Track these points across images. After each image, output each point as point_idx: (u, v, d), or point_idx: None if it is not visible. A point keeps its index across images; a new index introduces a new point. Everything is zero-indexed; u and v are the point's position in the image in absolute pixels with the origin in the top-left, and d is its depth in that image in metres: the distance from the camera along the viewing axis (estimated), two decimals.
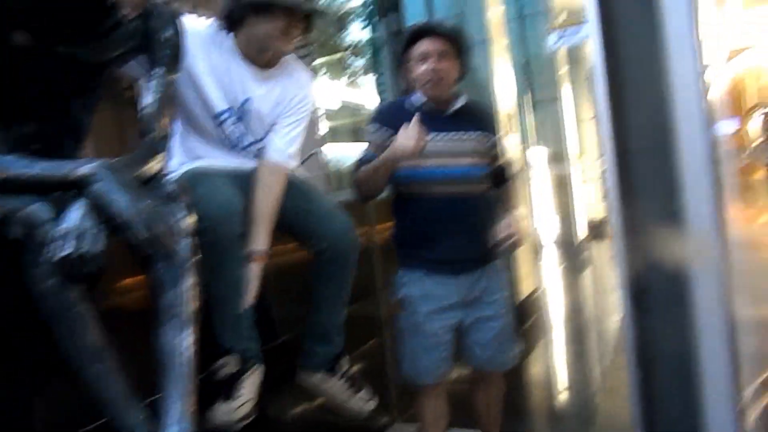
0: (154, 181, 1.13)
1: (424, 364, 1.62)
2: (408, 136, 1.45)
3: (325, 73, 6.06)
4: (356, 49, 5.65)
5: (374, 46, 4.62)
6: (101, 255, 0.89)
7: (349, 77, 6.34)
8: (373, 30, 4.72)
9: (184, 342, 1.03)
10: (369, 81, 5.64)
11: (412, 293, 1.62)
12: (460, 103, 1.64)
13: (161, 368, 1.05)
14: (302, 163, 2.87)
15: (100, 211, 0.92)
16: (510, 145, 3.91)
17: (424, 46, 1.56)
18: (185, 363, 1.02)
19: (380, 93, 4.42)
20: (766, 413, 2.03)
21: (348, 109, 6.04)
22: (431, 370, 1.62)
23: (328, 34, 6.04)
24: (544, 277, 5.38)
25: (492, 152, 1.68)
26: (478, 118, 1.68)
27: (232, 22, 1.47)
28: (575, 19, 4.05)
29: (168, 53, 1.23)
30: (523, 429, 2.42)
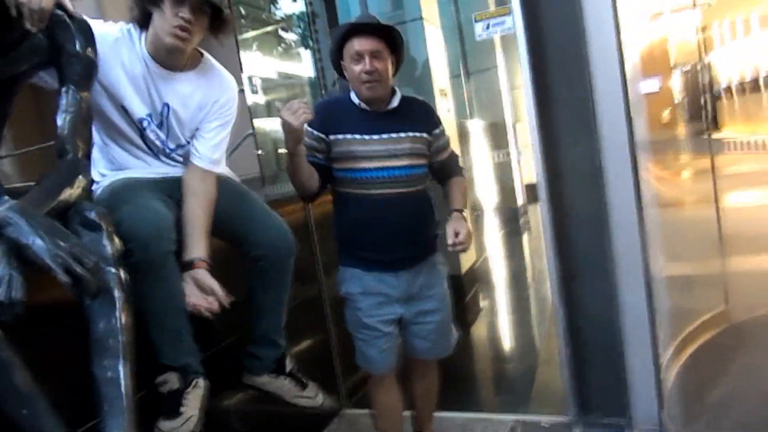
0: (74, 207, 1.08)
1: (370, 355, 1.67)
2: (291, 110, 1.42)
3: (257, 47, 5.87)
4: (288, 22, 5.49)
5: (305, 19, 4.52)
6: (20, 302, 0.86)
7: (283, 50, 6.18)
8: (305, 3, 4.60)
9: (121, 374, 1.02)
10: (303, 53, 5.53)
11: (353, 290, 1.65)
12: (396, 101, 1.62)
13: (99, 399, 1.03)
14: (237, 146, 2.81)
15: (18, 256, 0.88)
16: (448, 122, 3.98)
17: (357, 45, 1.52)
18: (123, 395, 1.00)
19: (315, 64, 4.35)
20: (684, 370, 2.21)
21: (284, 81, 5.91)
22: (378, 361, 1.67)
23: (259, 6, 5.84)
24: (486, 244, 5.55)
25: (433, 148, 1.67)
26: (415, 115, 1.65)
27: (138, 23, 1.40)
28: (500, 10, 4.10)
29: (78, 69, 1.16)
30: (466, 397, 2.55)
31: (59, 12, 1.17)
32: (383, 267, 1.62)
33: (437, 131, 1.68)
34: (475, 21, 4.06)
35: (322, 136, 1.59)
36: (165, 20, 1.34)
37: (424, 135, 1.64)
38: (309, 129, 1.58)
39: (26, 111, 1.64)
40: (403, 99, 1.65)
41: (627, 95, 1.68)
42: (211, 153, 1.49)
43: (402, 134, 1.60)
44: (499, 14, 3.99)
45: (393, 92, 1.63)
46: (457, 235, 1.54)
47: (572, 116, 1.78)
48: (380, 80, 1.54)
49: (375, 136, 1.58)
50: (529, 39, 1.67)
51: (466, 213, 1.67)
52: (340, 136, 1.58)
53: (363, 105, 1.60)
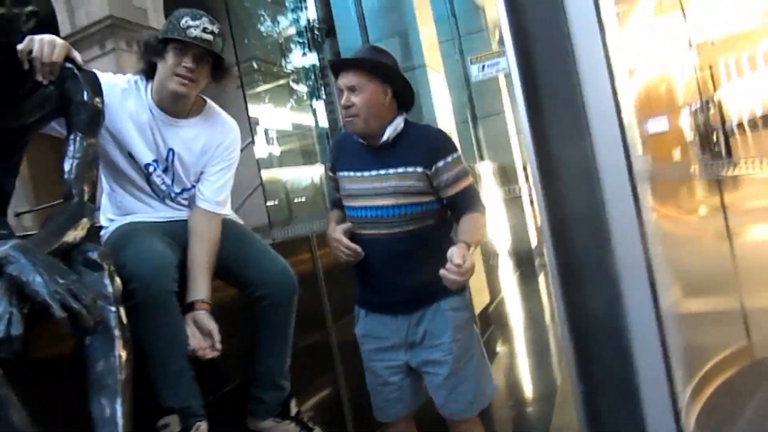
0: (77, 249, 1.11)
1: (376, 402, 1.62)
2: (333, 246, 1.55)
3: (270, 99, 6.07)
4: (298, 75, 5.69)
5: (313, 72, 4.68)
6: (19, 338, 0.88)
7: (295, 102, 6.37)
8: (317, 54, 4.78)
9: (117, 413, 1.02)
10: (315, 104, 5.69)
11: (359, 331, 1.64)
12: (389, 134, 1.51)
13: None
14: (246, 198, 2.88)
15: (18, 293, 0.91)
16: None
17: (339, 81, 1.51)
18: None
19: (328, 115, 4.47)
20: (706, 410, 2.13)
21: (296, 132, 6.05)
22: (382, 408, 1.61)
23: (271, 61, 6.07)
24: (501, 286, 5.49)
25: (435, 183, 1.50)
26: (413, 149, 1.51)
27: (144, 73, 1.49)
28: (493, 52, 4.26)
29: (84, 118, 1.22)
30: None
31: (68, 65, 1.24)
32: (383, 309, 1.57)
33: (441, 164, 1.49)
34: (471, 63, 4.18)
35: (331, 174, 1.62)
36: (168, 69, 1.42)
37: (418, 170, 1.48)
38: (329, 162, 1.63)
39: (47, 166, 1.71)
40: (408, 130, 1.54)
41: (624, 134, 1.70)
42: (215, 195, 1.54)
43: (389, 171, 1.50)
44: (493, 55, 4.11)
45: (385, 128, 1.52)
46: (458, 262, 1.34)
47: (571, 156, 1.80)
48: (357, 114, 1.48)
49: (365, 173, 1.53)
50: (523, 77, 1.72)
51: (474, 250, 1.44)
52: (340, 173, 1.60)
53: (360, 140, 1.55)
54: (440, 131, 1.62)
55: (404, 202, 1.49)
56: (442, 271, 1.35)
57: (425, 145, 1.53)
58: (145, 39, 1.47)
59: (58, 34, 1.25)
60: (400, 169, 1.49)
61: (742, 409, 2.03)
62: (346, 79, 1.48)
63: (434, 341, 1.53)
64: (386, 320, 1.56)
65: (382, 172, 1.50)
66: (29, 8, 1.10)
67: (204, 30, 1.41)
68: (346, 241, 1.51)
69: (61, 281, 0.92)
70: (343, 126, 1.58)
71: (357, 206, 1.54)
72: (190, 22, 1.40)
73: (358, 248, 1.50)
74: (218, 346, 1.37)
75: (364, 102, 1.47)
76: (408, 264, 1.49)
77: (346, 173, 1.57)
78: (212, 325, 1.37)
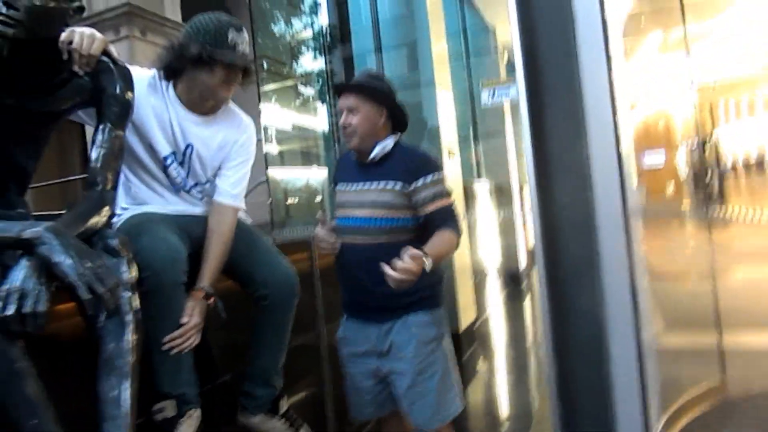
0: (98, 234, 1.17)
1: (352, 400, 1.72)
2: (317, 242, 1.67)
3: (276, 99, 6.13)
4: (307, 78, 5.75)
5: (324, 76, 4.76)
6: (44, 314, 0.93)
7: (301, 103, 6.43)
8: (326, 59, 4.85)
9: (123, 394, 1.07)
10: (320, 108, 5.76)
11: (339, 334, 1.75)
12: (378, 152, 1.64)
13: (100, 418, 1.08)
14: (249, 192, 2.93)
15: (46, 271, 0.96)
16: (453, 181, 4.10)
17: (340, 102, 1.68)
18: (124, 415, 1.06)
19: (330, 118, 4.54)
20: None
21: (297, 133, 6.11)
22: (356, 407, 1.72)
23: (281, 62, 6.14)
24: (487, 305, 5.56)
25: (414, 200, 1.61)
26: (397, 167, 1.63)
27: (170, 72, 1.54)
28: (505, 79, 4.33)
29: (115, 110, 1.28)
30: None
31: (104, 59, 1.30)
32: (358, 315, 1.68)
33: (420, 183, 1.60)
34: (482, 88, 4.24)
35: (334, 187, 1.77)
36: (216, 82, 1.51)
37: (397, 187, 1.60)
38: (334, 180, 1.79)
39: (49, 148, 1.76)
40: (396, 150, 1.66)
41: (622, 168, 1.78)
42: (231, 188, 1.62)
43: (371, 185, 1.64)
44: (505, 83, 4.17)
45: (375, 145, 1.65)
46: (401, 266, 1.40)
47: (570, 183, 1.87)
48: (354, 133, 1.64)
49: (354, 186, 1.69)
50: (531, 108, 1.80)
51: (428, 263, 1.46)
52: (338, 187, 1.75)
53: (354, 157, 1.72)
54: (425, 153, 1.74)
55: (380, 214, 1.62)
56: (385, 266, 1.41)
57: (408, 164, 1.65)
58: (193, 53, 1.47)
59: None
60: (381, 184, 1.64)
61: None
62: (347, 101, 1.65)
63: (398, 353, 1.62)
64: (361, 326, 1.67)
65: (366, 185, 1.66)
66: (77, 3, 1.16)
67: (243, 41, 1.49)
68: (322, 233, 1.65)
69: (89, 264, 0.98)
70: (344, 142, 1.72)
71: (342, 215, 1.70)
72: (236, 38, 1.48)
73: (331, 238, 1.65)
74: (192, 340, 1.40)
75: (360, 122, 1.64)
76: (378, 274, 1.49)
77: (341, 186, 1.74)
78: (194, 320, 1.41)
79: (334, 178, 1.79)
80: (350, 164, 1.73)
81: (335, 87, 1.79)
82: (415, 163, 1.65)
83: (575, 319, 1.88)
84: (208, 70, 1.49)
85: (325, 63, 4.81)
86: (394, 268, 1.40)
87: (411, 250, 1.42)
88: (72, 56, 1.24)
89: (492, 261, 5.98)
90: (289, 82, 6.22)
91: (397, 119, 1.70)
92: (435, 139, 3.91)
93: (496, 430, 3.09)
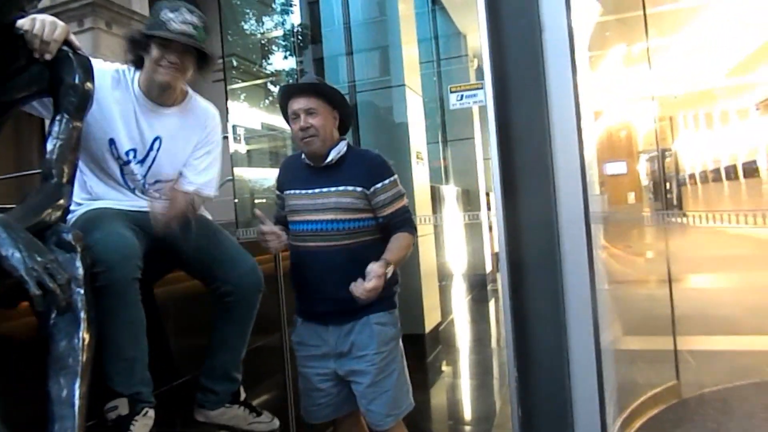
0: (52, 229, 1.13)
1: (305, 405, 1.70)
2: (263, 238, 1.61)
3: (245, 98, 6.05)
4: (277, 77, 5.71)
5: (294, 75, 4.73)
6: None
7: (270, 103, 6.38)
8: (296, 59, 4.82)
9: (74, 393, 1.03)
10: None
11: (294, 338, 1.72)
12: (333, 156, 1.63)
13: (50, 418, 1.04)
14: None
15: None
16: (421, 185, 4.13)
17: (295, 104, 1.61)
18: (74, 415, 1.02)
19: None
20: None
21: (266, 133, 6.05)
22: (310, 412, 1.69)
23: (251, 60, 6.06)
24: (452, 308, 5.60)
25: (373, 203, 1.62)
26: (354, 170, 1.63)
27: (132, 64, 1.54)
28: (472, 84, 4.44)
29: (73, 101, 1.24)
30: None
31: (64, 48, 1.26)
32: (315, 319, 1.65)
33: (379, 186, 1.62)
34: (450, 92, 4.34)
35: (279, 193, 1.73)
36: (153, 62, 1.49)
37: (358, 190, 1.61)
38: (277, 183, 1.74)
39: (5, 141, 1.71)
40: (349, 153, 1.66)
41: (584, 175, 1.81)
42: (198, 178, 1.61)
43: (330, 189, 1.62)
44: (472, 88, 4.27)
45: (330, 149, 1.64)
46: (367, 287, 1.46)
47: (533, 188, 1.90)
48: (316, 135, 1.59)
49: (308, 191, 1.64)
50: (498, 113, 1.82)
51: (390, 270, 1.54)
52: (286, 192, 1.70)
53: (306, 161, 1.67)
54: (380, 156, 1.72)
55: (342, 217, 1.61)
56: (351, 286, 1.47)
57: (366, 167, 1.65)
58: (130, 35, 1.53)
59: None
60: (341, 188, 1.62)
61: None
62: (306, 103, 1.60)
63: (360, 352, 1.62)
64: (319, 329, 1.65)
65: (324, 189, 1.63)
66: None
67: (184, 21, 1.46)
68: (266, 228, 1.60)
69: (39, 259, 0.94)
70: (299, 146, 1.66)
71: (299, 220, 1.65)
72: (169, 15, 1.46)
73: (275, 228, 1.61)
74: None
75: (321, 124, 1.60)
76: (342, 277, 1.53)
77: (291, 191, 1.68)
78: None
79: (280, 185, 1.74)
80: (299, 169, 1.69)
81: (286, 88, 1.68)
82: (374, 167, 1.66)
83: (536, 321, 1.92)
84: (146, 52, 1.49)
85: (296, 63, 4.78)
86: (360, 286, 1.46)
87: (374, 269, 1.47)
88: (32, 43, 1.20)
89: (458, 265, 6.04)
90: (259, 81, 6.16)
91: (344, 123, 1.70)
92: (404, 142, 3.93)
93: (457, 429, 3.11)
